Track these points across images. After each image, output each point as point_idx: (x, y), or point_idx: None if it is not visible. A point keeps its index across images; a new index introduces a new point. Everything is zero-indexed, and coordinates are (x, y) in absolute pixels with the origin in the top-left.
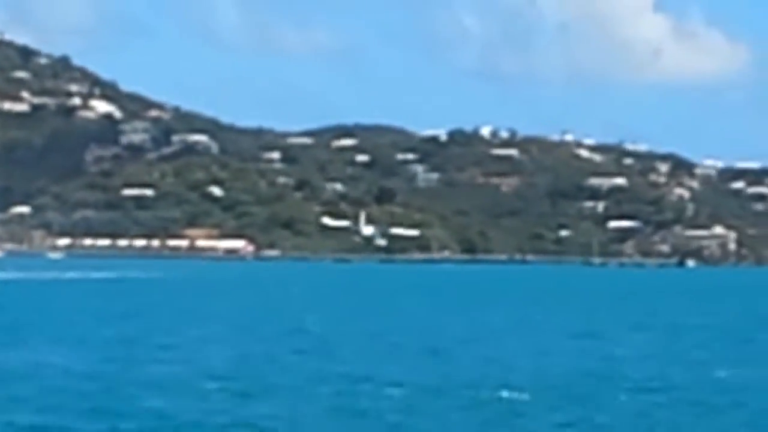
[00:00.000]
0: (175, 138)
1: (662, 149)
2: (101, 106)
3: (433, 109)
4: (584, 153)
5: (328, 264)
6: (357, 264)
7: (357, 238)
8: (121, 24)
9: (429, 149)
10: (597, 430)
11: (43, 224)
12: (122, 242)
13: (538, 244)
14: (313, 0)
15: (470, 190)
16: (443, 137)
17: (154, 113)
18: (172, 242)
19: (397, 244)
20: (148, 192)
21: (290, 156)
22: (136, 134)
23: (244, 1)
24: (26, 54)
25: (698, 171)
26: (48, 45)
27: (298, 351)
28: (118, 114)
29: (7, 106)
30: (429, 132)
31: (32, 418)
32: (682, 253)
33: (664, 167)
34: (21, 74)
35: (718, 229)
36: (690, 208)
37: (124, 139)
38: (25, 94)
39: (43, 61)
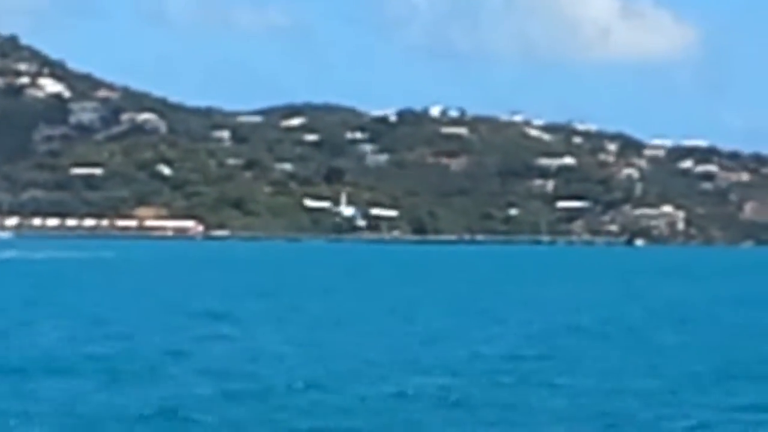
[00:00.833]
0: (124, 117)
1: (611, 129)
2: (50, 86)
3: (382, 88)
4: (533, 132)
5: (278, 243)
6: (306, 243)
7: (306, 218)
8: (71, 3)
9: (378, 129)
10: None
11: None
12: (71, 222)
13: (488, 224)
14: None
15: (420, 169)
16: (393, 117)
17: (103, 93)
18: (121, 222)
19: (348, 224)
20: (97, 171)
21: (240, 136)
22: (84, 114)
23: None
24: None
25: (647, 150)
26: None
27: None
28: (66, 93)
29: None
30: (378, 112)
31: None
32: (631, 233)
33: (612, 147)
34: None
35: (667, 209)
36: (639, 188)
37: (73, 119)
38: None
39: None
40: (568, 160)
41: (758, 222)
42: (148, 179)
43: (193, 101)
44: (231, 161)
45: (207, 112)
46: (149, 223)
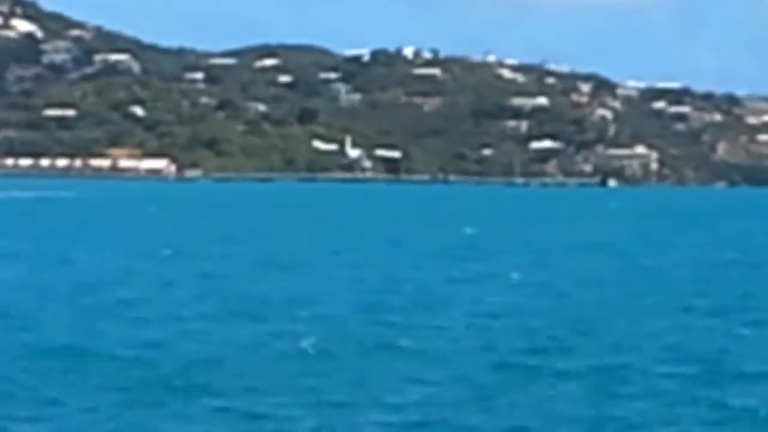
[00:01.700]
0: (97, 58)
1: (584, 69)
2: (22, 26)
3: (356, 29)
4: (506, 73)
5: (250, 184)
6: (278, 183)
7: (278, 159)
8: None
9: (352, 69)
10: None
11: None
12: (44, 162)
13: (461, 164)
14: None
15: (393, 110)
16: (366, 57)
17: (75, 33)
18: (94, 162)
19: (318, 163)
20: (70, 112)
21: (213, 76)
22: (57, 54)
23: None
24: None
25: (620, 91)
26: None
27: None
28: (39, 33)
29: None
30: (352, 52)
31: None
32: (604, 173)
33: (586, 87)
34: None
35: (640, 149)
36: (612, 128)
37: (45, 59)
38: None
39: None
40: (541, 101)
41: (730, 162)
42: (121, 119)
43: (166, 42)
44: (204, 101)
45: (180, 53)
46: (122, 163)
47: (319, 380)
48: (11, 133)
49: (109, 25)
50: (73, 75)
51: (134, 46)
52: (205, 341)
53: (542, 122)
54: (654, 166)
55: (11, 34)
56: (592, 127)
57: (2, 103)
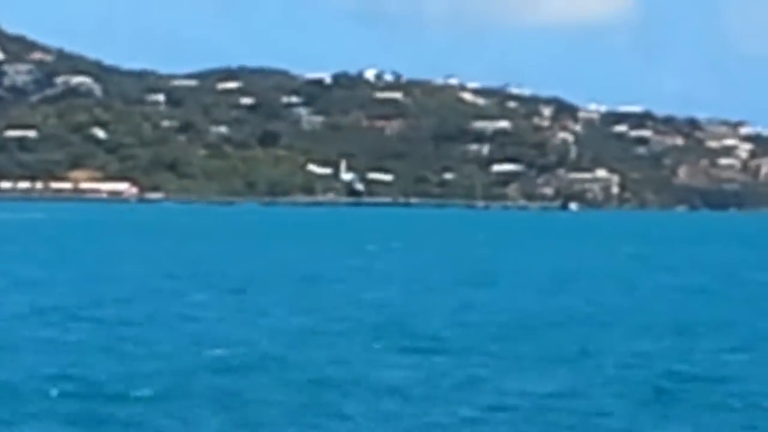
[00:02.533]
0: (59, 80)
1: (546, 93)
2: None
3: (317, 52)
4: (468, 96)
5: (212, 206)
6: (239, 206)
7: (240, 182)
8: None
9: (313, 92)
10: None
11: None
12: (5, 184)
13: (423, 188)
14: None
15: (354, 133)
16: (327, 80)
17: (37, 55)
18: (55, 184)
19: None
20: (31, 134)
21: (174, 98)
22: (18, 76)
23: None
24: None
25: (581, 115)
26: None
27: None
28: (0, 56)
29: None
30: (313, 75)
31: None
32: (565, 196)
33: (547, 111)
34: None
35: (601, 173)
36: (573, 152)
37: (7, 81)
38: None
39: None
40: (503, 124)
41: (691, 186)
42: (83, 142)
43: (128, 64)
44: (166, 124)
45: (142, 75)
46: (84, 185)
47: None
48: None
49: (71, 48)
50: (35, 97)
51: (96, 69)
52: None
53: (504, 145)
54: (615, 189)
55: None
56: (553, 151)
57: None
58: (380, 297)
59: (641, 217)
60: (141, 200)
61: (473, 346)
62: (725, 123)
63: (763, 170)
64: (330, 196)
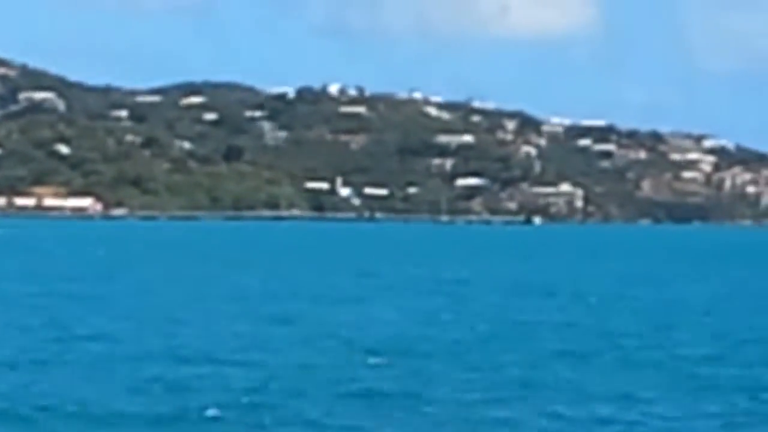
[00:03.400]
0: (22, 96)
1: (510, 107)
2: None
3: (282, 67)
4: (432, 110)
5: (176, 222)
6: (204, 222)
7: (204, 197)
8: None
9: (277, 107)
10: None
11: None
12: None
13: (387, 202)
14: None
15: (319, 147)
16: (291, 95)
17: (0, 71)
18: (19, 200)
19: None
20: None
21: (138, 114)
22: None
23: None
24: None
25: (545, 128)
26: None
27: None
28: None
29: None
30: (277, 89)
31: None
32: (529, 211)
33: (511, 125)
34: None
35: (565, 187)
36: (537, 166)
37: None
38: None
39: None
40: (467, 138)
41: (655, 200)
42: (46, 158)
43: (91, 79)
44: (129, 139)
45: (105, 91)
46: (47, 201)
47: None
48: None
49: (34, 63)
50: None
51: (59, 84)
52: None
53: (468, 160)
54: (579, 203)
55: None
56: (517, 165)
57: None
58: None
59: (591, 230)
60: (105, 216)
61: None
62: (688, 136)
63: (727, 183)
64: (294, 212)
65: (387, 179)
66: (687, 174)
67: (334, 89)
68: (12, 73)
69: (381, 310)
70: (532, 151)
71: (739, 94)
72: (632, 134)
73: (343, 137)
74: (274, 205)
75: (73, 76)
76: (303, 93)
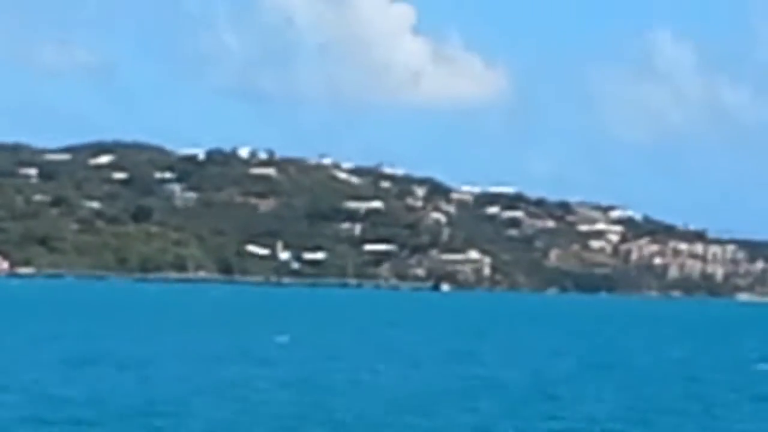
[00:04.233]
0: None
1: (420, 173)
2: None
3: (192, 128)
4: (342, 175)
5: (82, 282)
6: (113, 282)
7: (112, 258)
8: None
9: (187, 168)
10: None
11: None
12: None
13: (293, 266)
14: (71, 16)
15: (228, 209)
16: (201, 156)
17: None
18: None
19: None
20: None
21: (47, 172)
22: None
23: None
24: None
25: (454, 195)
26: None
27: None
28: None
29: None
30: (187, 151)
31: None
32: (437, 277)
33: (420, 191)
34: None
35: (473, 254)
36: (446, 233)
37: None
38: None
39: None
40: (376, 204)
41: (562, 268)
42: None
43: (0, 138)
44: (38, 198)
45: (15, 149)
46: None
47: None
48: None
49: None
50: None
51: None
52: None
53: (377, 225)
54: (487, 271)
55: None
56: (426, 231)
57: None
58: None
59: (495, 298)
60: (11, 274)
61: None
62: (597, 207)
63: (634, 254)
64: (201, 274)
65: (295, 243)
66: (594, 244)
67: (244, 152)
68: None
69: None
70: (441, 217)
71: (647, 165)
72: (541, 203)
73: (253, 200)
74: (181, 267)
75: None
76: (213, 155)
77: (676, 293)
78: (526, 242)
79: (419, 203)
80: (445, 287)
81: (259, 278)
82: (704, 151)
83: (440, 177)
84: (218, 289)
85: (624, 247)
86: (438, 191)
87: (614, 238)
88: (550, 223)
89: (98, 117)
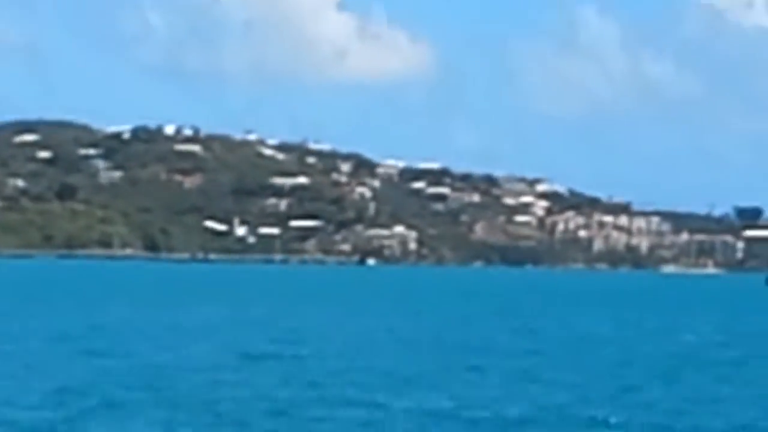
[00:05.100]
0: None
1: (345, 149)
2: None
3: (117, 106)
4: (267, 151)
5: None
6: (37, 260)
7: (37, 235)
8: None
9: (112, 145)
10: None
11: None
12: None
13: (221, 242)
14: None
15: (153, 186)
16: (126, 134)
17: None
18: None
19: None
20: None
21: None
22: None
23: None
24: None
25: (380, 170)
26: None
27: None
28: None
29: None
30: (112, 128)
31: None
32: (363, 252)
33: (346, 167)
34: None
35: (399, 229)
36: (371, 208)
37: None
38: None
39: None
40: (302, 180)
41: (488, 242)
42: None
43: None
44: None
45: None
46: None
47: None
48: None
49: None
50: None
51: None
52: None
53: (302, 201)
54: (413, 245)
55: None
56: (351, 207)
57: None
58: None
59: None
60: None
61: None
62: (522, 180)
63: (560, 227)
64: (127, 251)
65: (221, 219)
66: (520, 218)
67: (169, 129)
68: None
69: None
70: (367, 192)
71: (571, 139)
72: (466, 177)
73: (178, 177)
74: (107, 244)
75: None
76: (138, 132)
77: (601, 266)
78: (452, 216)
79: (344, 178)
80: (371, 262)
81: (184, 255)
82: (628, 125)
83: (366, 152)
84: (143, 266)
85: (549, 220)
86: (363, 166)
87: (540, 211)
88: (476, 197)
89: (22, 95)
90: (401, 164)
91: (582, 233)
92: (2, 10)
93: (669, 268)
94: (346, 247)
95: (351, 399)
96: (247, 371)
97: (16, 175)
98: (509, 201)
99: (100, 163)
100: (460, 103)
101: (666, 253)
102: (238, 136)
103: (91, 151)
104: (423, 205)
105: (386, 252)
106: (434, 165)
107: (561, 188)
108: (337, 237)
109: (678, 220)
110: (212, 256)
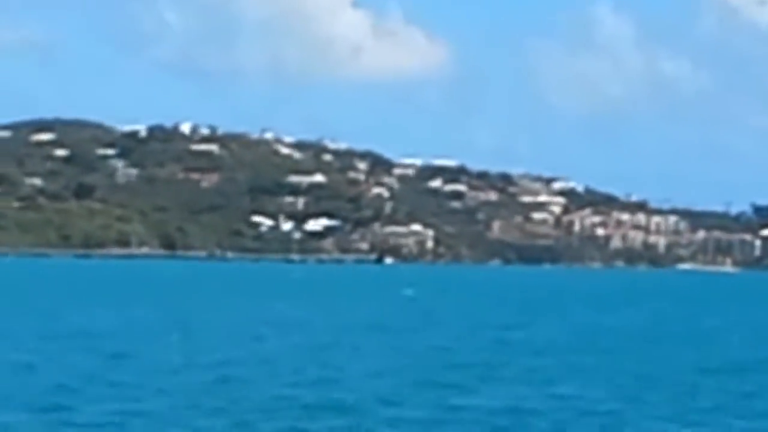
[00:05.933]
0: None
1: (362, 147)
2: None
3: (133, 105)
4: (284, 150)
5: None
6: (54, 259)
7: (54, 234)
8: None
9: (129, 144)
10: None
11: None
12: None
13: (238, 241)
14: None
15: (170, 185)
16: (143, 133)
17: None
18: None
19: (95, 240)
20: None
21: None
22: None
23: None
24: None
25: (396, 169)
26: None
27: None
28: None
29: None
30: (129, 127)
31: None
32: (381, 251)
33: (362, 165)
34: None
35: (416, 227)
36: (388, 206)
37: None
38: None
39: None
40: (319, 178)
41: (505, 240)
42: None
43: None
44: None
45: None
46: None
47: None
48: None
49: None
50: None
51: None
52: None
53: (319, 199)
54: (430, 243)
55: None
56: (368, 205)
57: None
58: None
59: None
60: None
61: None
62: (539, 178)
63: (576, 226)
64: (144, 250)
65: (238, 218)
66: (537, 216)
67: (186, 128)
68: None
69: None
70: (384, 191)
71: (588, 137)
72: (483, 175)
73: (195, 176)
74: (124, 243)
75: None
76: (155, 131)
77: (619, 264)
78: (469, 215)
79: (361, 177)
80: (388, 260)
81: (202, 253)
82: (645, 122)
83: (382, 151)
84: (160, 265)
85: (566, 218)
86: (380, 165)
87: (556, 209)
88: (493, 196)
89: (39, 94)
90: (418, 162)
91: (599, 231)
92: (19, 9)
93: (685, 266)
94: (363, 245)
95: None
96: None
97: (33, 174)
98: (526, 199)
99: (118, 163)
100: (476, 102)
101: (683, 252)
102: (254, 134)
103: (109, 151)
104: (440, 203)
105: (404, 250)
106: (451, 163)
107: (578, 186)
108: (354, 236)
109: (695, 218)
110: (230, 254)
